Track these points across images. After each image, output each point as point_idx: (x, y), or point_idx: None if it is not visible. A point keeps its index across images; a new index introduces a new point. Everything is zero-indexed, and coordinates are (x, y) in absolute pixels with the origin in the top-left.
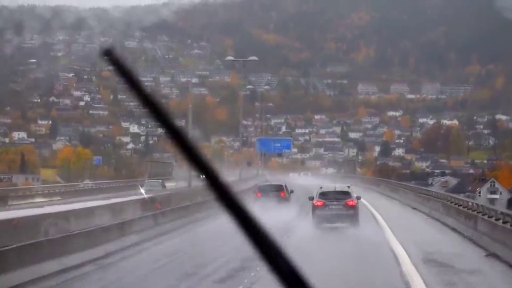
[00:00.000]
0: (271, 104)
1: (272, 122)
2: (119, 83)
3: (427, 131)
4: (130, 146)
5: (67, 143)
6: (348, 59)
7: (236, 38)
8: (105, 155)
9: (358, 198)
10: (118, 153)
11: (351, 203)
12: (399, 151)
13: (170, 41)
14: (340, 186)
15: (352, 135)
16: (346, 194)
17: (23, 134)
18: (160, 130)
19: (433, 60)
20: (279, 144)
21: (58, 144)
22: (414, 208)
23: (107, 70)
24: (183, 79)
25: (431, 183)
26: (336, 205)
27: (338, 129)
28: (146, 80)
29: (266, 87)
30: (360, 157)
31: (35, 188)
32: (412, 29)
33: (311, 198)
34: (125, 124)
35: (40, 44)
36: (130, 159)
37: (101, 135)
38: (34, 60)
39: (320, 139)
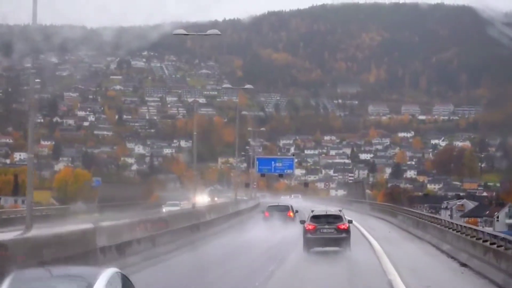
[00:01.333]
0: (263, 128)
1: (281, 142)
2: (125, 103)
3: (439, 153)
4: (135, 167)
5: (69, 164)
6: (359, 80)
7: (245, 58)
8: (107, 177)
9: (350, 221)
10: (121, 175)
11: (342, 226)
12: (410, 173)
13: (177, 60)
14: (331, 209)
15: (363, 156)
16: (337, 217)
17: (24, 155)
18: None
19: (444, 81)
20: (280, 164)
21: (60, 165)
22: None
23: (113, 89)
24: (190, 99)
25: (446, 206)
26: (327, 229)
27: (348, 150)
28: (153, 99)
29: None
30: (370, 179)
31: (21, 211)
32: (423, 50)
33: (302, 222)
34: (130, 145)
35: (46, 64)
36: (132, 180)
37: (105, 156)
38: (39, 80)
39: (330, 161)
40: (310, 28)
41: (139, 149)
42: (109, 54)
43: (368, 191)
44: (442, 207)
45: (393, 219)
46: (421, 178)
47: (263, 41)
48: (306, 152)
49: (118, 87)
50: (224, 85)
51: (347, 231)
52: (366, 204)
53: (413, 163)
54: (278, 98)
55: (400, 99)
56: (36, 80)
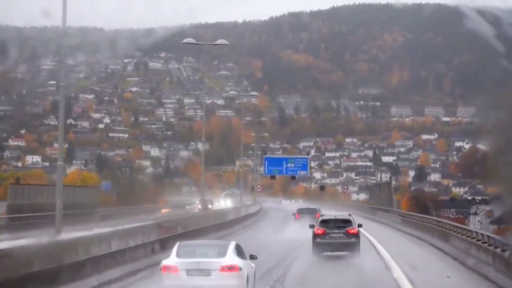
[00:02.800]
0: (266, 134)
1: (301, 145)
2: (142, 104)
3: (464, 156)
4: (149, 170)
5: (82, 167)
6: (381, 81)
7: (264, 59)
8: (121, 180)
9: (360, 226)
10: (135, 178)
11: (352, 231)
12: (434, 176)
13: (196, 62)
14: (340, 213)
15: (385, 159)
16: (347, 222)
17: (37, 158)
18: (182, 154)
19: (468, 83)
20: (292, 164)
21: (73, 169)
22: None
23: (129, 91)
24: (209, 101)
25: (476, 211)
26: (337, 233)
27: (370, 153)
28: (170, 101)
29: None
30: (393, 182)
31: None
32: (446, 51)
33: (312, 226)
34: (145, 148)
35: (60, 66)
36: (145, 184)
37: (120, 159)
38: (54, 82)
39: (352, 163)
40: (331, 29)
41: (155, 152)
42: (126, 56)
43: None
44: (471, 212)
45: (442, 244)
46: (445, 182)
47: (283, 43)
48: (327, 154)
49: (134, 88)
50: (230, 92)
51: (357, 235)
52: (394, 214)
53: (437, 165)
54: (298, 100)
55: (423, 100)
56: (50, 82)
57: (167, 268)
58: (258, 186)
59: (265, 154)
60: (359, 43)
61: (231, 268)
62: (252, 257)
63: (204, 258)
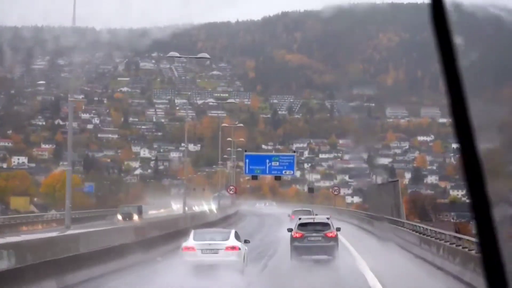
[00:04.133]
0: (242, 139)
1: (294, 146)
2: (132, 105)
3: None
4: (138, 171)
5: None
6: (376, 82)
7: (258, 59)
8: (103, 182)
9: (338, 229)
10: (121, 180)
11: (330, 234)
12: (431, 178)
13: (188, 62)
14: (319, 217)
15: (380, 160)
16: (325, 225)
17: (23, 159)
18: (172, 155)
19: (466, 83)
20: (277, 163)
21: (60, 170)
22: None
23: (120, 91)
24: (200, 101)
25: None
26: (315, 237)
27: (365, 155)
28: (161, 102)
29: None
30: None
31: None
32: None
33: (290, 230)
34: (135, 149)
35: (51, 66)
36: (129, 186)
37: (108, 160)
38: (43, 82)
39: (345, 165)
40: (325, 28)
41: (144, 152)
42: (117, 56)
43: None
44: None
45: None
46: (443, 184)
47: (276, 42)
48: (320, 156)
49: (125, 88)
50: (208, 99)
51: (335, 239)
52: (405, 229)
53: (434, 168)
54: (291, 100)
55: (419, 101)
56: (40, 82)
57: (187, 248)
58: (232, 187)
59: (245, 151)
60: (354, 43)
61: (233, 248)
62: (246, 241)
63: (213, 241)
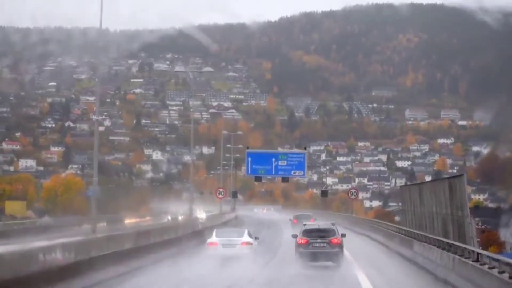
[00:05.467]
0: (241, 146)
1: (311, 149)
2: (145, 107)
3: (482, 161)
4: (150, 175)
5: (78, 171)
6: (395, 83)
7: (274, 60)
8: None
9: (343, 235)
10: (128, 184)
11: (335, 240)
12: None
13: (203, 63)
14: (324, 223)
15: (400, 163)
16: (330, 231)
17: (31, 162)
18: (186, 158)
19: (485, 86)
20: (284, 162)
21: (68, 173)
22: None
23: (133, 93)
24: (215, 103)
25: (507, 222)
26: (320, 243)
27: (384, 157)
28: (175, 103)
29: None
30: None
31: None
32: (462, 53)
33: (295, 236)
34: (147, 151)
35: (63, 67)
36: (136, 190)
37: (119, 163)
38: (54, 83)
39: (364, 168)
40: (344, 29)
41: (157, 155)
42: (131, 57)
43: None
44: (502, 223)
45: None
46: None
47: (293, 43)
48: (338, 159)
49: (138, 90)
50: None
51: (340, 245)
52: (479, 272)
53: (455, 171)
54: (308, 102)
55: (439, 103)
56: (51, 83)
57: (211, 243)
58: (221, 190)
59: (247, 148)
60: (372, 44)
61: (247, 243)
62: (256, 238)
63: (231, 238)
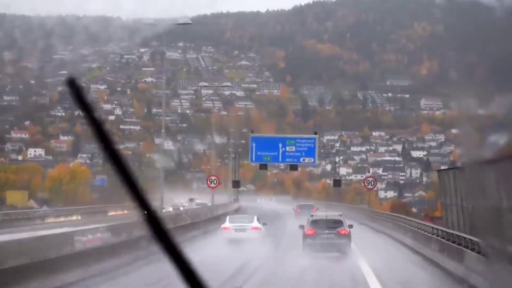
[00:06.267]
0: (245, 130)
1: (325, 139)
2: (156, 95)
3: (500, 151)
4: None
5: (87, 161)
6: (410, 72)
7: (287, 49)
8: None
9: (350, 226)
10: (141, 173)
11: (343, 231)
12: None
13: (215, 52)
14: (331, 214)
15: (415, 153)
16: (338, 222)
17: (40, 151)
18: (198, 147)
19: (502, 74)
20: (292, 148)
21: (77, 162)
22: None
23: (144, 82)
24: (227, 92)
25: None
26: (327, 234)
27: (399, 147)
28: (186, 92)
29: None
30: (424, 179)
31: None
32: (479, 41)
33: (302, 227)
34: (158, 141)
35: (74, 55)
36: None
37: (130, 153)
38: (64, 72)
39: (379, 158)
40: (358, 17)
41: (168, 145)
42: (142, 45)
43: (422, 192)
44: None
45: None
46: None
47: (307, 32)
48: (352, 149)
49: (149, 79)
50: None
51: (348, 236)
52: None
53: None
54: (322, 91)
55: (453, 93)
56: (61, 72)
57: (224, 228)
58: (213, 178)
59: (252, 132)
60: (387, 33)
61: (256, 228)
62: (264, 224)
63: (242, 223)
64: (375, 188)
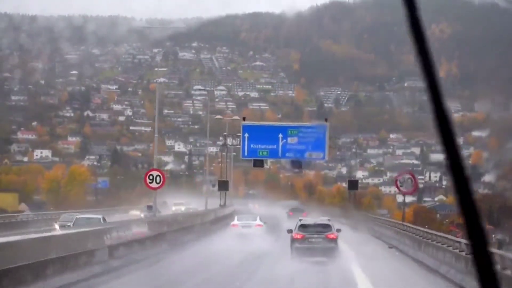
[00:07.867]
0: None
1: (341, 141)
2: (168, 96)
3: None
4: (170, 166)
5: (95, 162)
6: None
7: (303, 50)
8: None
9: (339, 230)
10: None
11: (331, 236)
12: (489, 177)
13: (230, 52)
14: (319, 218)
15: (434, 156)
16: (326, 226)
17: (47, 152)
18: (210, 150)
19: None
20: (295, 139)
21: (85, 164)
22: None
23: (155, 82)
24: (241, 93)
25: None
26: (316, 238)
27: (417, 150)
28: (199, 93)
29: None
30: (443, 182)
31: None
32: (497, 44)
33: (290, 231)
34: (169, 142)
35: (85, 56)
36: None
37: (139, 154)
38: (76, 72)
39: (396, 161)
40: (376, 18)
41: (179, 147)
42: (155, 45)
43: (442, 196)
44: None
45: None
46: (500, 184)
47: (323, 33)
48: (369, 151)
49: (162, 79)
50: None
51: (335, 240)
52: None
53: (491, 165)
54: (338, 92)
55: (473, 95)
56: (72, 72)
57: (233, 224)
58: (155, 173)
59: (244, 119)
60: (405, 34)
61: (259, 225)
62: (265, 223)
63: (248, 221)
64: (414, 192)
